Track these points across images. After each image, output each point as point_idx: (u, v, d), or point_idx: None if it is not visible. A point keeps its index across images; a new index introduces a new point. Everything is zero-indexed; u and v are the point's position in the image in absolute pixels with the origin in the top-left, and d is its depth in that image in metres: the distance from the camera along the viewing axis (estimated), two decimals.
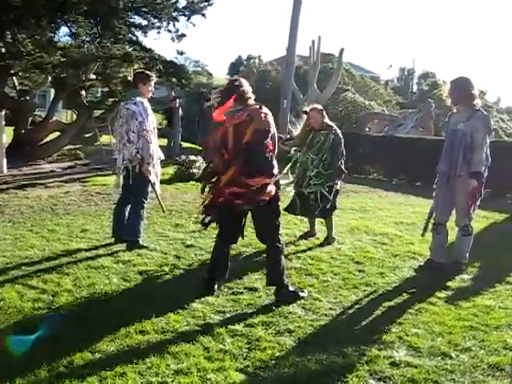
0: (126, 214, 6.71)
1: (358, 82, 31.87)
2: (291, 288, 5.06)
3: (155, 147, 6.60)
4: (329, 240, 7.17)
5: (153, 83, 6.72)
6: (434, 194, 6.28)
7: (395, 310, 4.81)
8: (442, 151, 6.14)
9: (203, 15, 15.75)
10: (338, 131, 7.18)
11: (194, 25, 16.13)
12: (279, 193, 5.08)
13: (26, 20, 11.85)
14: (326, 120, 7.20)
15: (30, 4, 11.43)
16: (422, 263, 6.21)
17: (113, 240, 6.80)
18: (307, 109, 7.31)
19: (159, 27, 15.58)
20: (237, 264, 6.01)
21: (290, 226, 8.02)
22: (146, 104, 6.51)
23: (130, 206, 6.68)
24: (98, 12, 12.92)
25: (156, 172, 6.74)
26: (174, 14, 15.25)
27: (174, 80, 16.51)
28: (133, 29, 15.35)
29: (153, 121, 6.61)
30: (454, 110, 6.21)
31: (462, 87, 5.98)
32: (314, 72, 22.69)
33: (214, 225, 5.19)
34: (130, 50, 15.03)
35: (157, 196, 6.86)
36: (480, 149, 5.84)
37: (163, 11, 14.72)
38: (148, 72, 6.91)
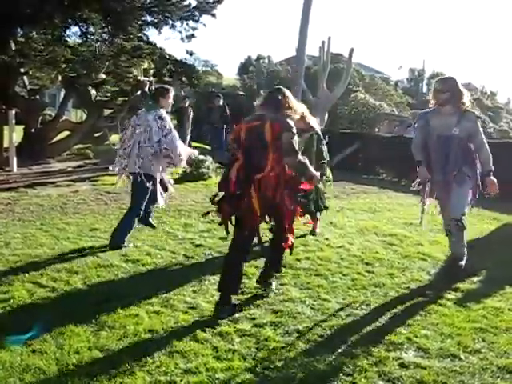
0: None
1: (368, 82, 31.81)
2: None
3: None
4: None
5: (171, 95, 7.03)
6: (425, 197, 6.27)
7: (404, 311, 4.80)
8: (433, 158, 6.03)
9: (213, 15, 15.77)
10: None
11: (204, 25, 16.16)
12: None
13: (39, 18, 11.90)
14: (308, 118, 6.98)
15: (43, 1, 11.47)
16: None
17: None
18: None
19: (170, 28, 15.64)
20: (246, 264, 6.01)
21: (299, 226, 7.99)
22: (165, 115, 6.82)
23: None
24: (111, 10, 12.94)
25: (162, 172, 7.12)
26: (185, 14, 15.27)
27: (184, 79, 16.54)
28: (144, 28, 15.40)
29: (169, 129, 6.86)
30: (427, 110, 6.10)
31: (453, 87, 5.83)
32: (323, 72, 22.64)
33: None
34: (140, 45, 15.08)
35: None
36: (484, 148, 5.91)
37: (174, 11, 14.75)
38: (166, 86, 7.31)
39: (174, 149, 6.75)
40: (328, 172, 7.32)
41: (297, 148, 4.81)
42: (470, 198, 6.00)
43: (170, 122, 6.84)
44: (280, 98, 4.98)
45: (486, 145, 5.90)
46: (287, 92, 5.10)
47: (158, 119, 6.71)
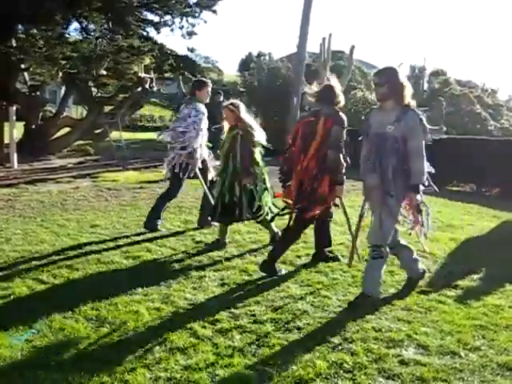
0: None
1: (369, 79, 31.73)
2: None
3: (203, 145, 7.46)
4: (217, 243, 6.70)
5: (209, 89, 7.50)
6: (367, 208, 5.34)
7: (404, 308, 4.80)
8: (362, 158, 5.19)
9: (214, 11, 15.76)
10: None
11: (205, 21, 16.17)
12: None
13: (39, 15, 11.89)
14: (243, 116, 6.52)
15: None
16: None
17: (122, 235, 6.91)
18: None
19: (171, 24, 15.62)
20: (246, 260, 6.02)
21: None
22: (200, 109, 7.21)
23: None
24: (111, 7, 12.94)
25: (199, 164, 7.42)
26: (185, 11, 15.26)
27: (186, 74, 16.54)
28: (144, 25, 15.39)
29: (206, 122, 7.40)
30: (375, 107, 5.20)
31: (393, 79, 4.84)
32: (324, 69, 22.62)
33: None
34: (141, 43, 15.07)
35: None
36: (420, 156, 4.77)
37: (174, 7, 14.75)
38: (204, 79, 7.88)
39: (191, 145, 7.08)
40: (260, 179, 6.40)
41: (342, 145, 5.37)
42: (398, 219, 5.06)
43: (200, 117, 7.15)
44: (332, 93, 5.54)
45: (423, 153, 4.79)
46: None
47: (193, 112, 7.09)
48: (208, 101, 7.72)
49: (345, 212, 5.89)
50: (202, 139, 7.31)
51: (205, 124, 7.30)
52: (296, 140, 5.57)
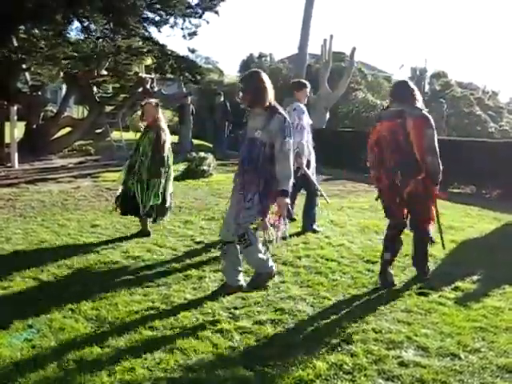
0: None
1: (370, 81, 31.76)
2: None
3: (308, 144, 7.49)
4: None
5: (307, 90, 7.77)
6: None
7: (404, 309, 4.79)
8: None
9: (216, 12, 15.76)
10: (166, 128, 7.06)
11: (207, 22, 16.15)
12: None
13: (41, 14, 11.91)
14: (158, 117, 7.09)
15: None
16: None
17: (123, 235, 6.94)
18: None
19: (172, 25, 15.64)
20: (245, 261, 6.02)
21: (300, 224, 8.00)
22: (299, 108, 7.47)
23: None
24: (113, 7, 12.96)
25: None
26: (187, 11, 15.27)
27: (187, 75, 16.55)
28: (146, 25, 15.41)
29: (308, 121, 7.55)
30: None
31: (254, 84, 4.82)
32: (325, 71, 22.63)
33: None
34: (141, 44, 15.08)
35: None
36: (286, 160, 4.66)
37: (176, 8, 14.76)
38: (302, 81, 8.18)
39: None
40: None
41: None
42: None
43: (299, 116, 7.35)
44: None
45: (290, 157, 4.71)
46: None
47: (292, 111, 7.28)
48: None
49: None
50: (307, 136, 7.48)
51: (306, 122, 7.52)
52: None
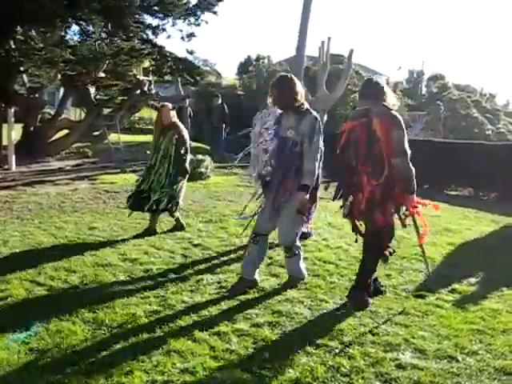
0: None
1: None
2: None
3: None
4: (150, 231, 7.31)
5: None
6: None
7: (402, 312, 4.79)
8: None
9: (214, 13, 15.76)
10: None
11: (206, 22, 16.15)
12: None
13: (39, 16, 11.91)
14: (175, 119, 7.43)
15: (42, 0, 11.49)
16: None
17: (120, 238, 6.90)
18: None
19: (172, 25, 15.66)
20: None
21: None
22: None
23: None
24: (111, 10, 12.96)
25: None
26: (186, 13, 15.27)
27: (186, 76, 16.56)
28: (144, 27, 15.40)
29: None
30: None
31: (286, 87, 5.13)
32: (323, 73, 22.62)
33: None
34: (140, 46, 15.06)
35: None
36: (312, 157, 5.09)
37: (174, 10, 14.76)
38: None
39: None
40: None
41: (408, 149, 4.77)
42: None
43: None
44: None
45: (317, 155, 5.13)
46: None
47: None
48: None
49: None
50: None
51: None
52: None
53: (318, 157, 5.13)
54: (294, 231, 5.22)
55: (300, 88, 5.14)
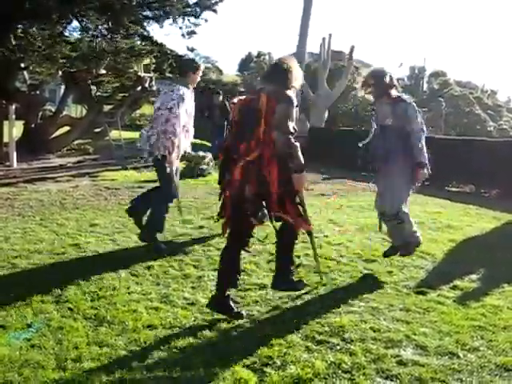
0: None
1: None
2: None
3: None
4: None
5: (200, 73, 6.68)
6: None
7: (403, 308, 4.80)
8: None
9: (214, 11, 15.73)
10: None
11: (206, 20, 16.11)
12: None
13: (38, 13, 11.89)
14: None
15: None
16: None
17: (121, 235, 6.89)
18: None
19: (171, 23, 15.61)
20: (245, 260, 6.01)
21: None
22: (183, 92, 6.35)
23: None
24: (110, 7, 12.94)
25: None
26: (185, 10, 15.24)
27: None
28: (144, 24, 15.37)
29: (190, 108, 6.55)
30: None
31: (379, 79, 5.83)
32: (324, 69, 22.64)
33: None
34: (140, 44, 15.05)
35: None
36: (416, 138, 5.68)
37: (174, 7, 14.73)
38: (196, 60, 7.38)
39: None
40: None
41: (291, 124, 4.32)
42: None
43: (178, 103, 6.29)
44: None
45: (422, 135, 5.73)
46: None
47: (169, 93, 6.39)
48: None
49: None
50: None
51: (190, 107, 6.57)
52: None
53: (421, 136, 5.67)
54: (397, 201, 5.81)
55: (391, 80, 5.82)
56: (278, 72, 4.59)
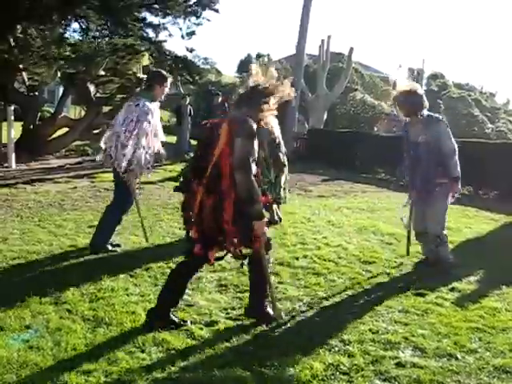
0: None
1: (367, 81, 31.80)
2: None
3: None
4: None
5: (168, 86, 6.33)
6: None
7: (401, 310, 4.80)
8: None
9: (216, 10, 15.69)
10: None
11: (208, 20, 16.08)
12: None
13: (37, 13, 11.88)
14: None
15: None
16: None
17: (120, 236, 6.87)
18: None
19: (173, 24, 15.60)
20: (240, 262, 6.00)
21: (298, 224, 8.01)
22: (148, 107, 6.11)
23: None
24: (109, 7, 12.93)
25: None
26: (186, 10, 15.22)
27: (185, 75, 16.51)
28: (144, 25, 15.34)
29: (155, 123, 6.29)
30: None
31: (410, 97, 5.94)
32: (323, 71, 22.66)
33: None
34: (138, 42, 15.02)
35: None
36: (450, 155, 5.97)
37: (174, 8, 14.72)
38: (163, 72, 6.47)
39: None
40: (282, 193, 5.50)
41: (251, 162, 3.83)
42: None
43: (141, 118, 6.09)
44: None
45: (455, 151, 6.04)
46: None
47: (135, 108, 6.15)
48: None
49: None
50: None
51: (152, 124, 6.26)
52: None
53: (455, 152, 5.95)
54: (441, 219, 6.02)
55: (421, 98, 5.92)
56: (243, 95, 4.10)
